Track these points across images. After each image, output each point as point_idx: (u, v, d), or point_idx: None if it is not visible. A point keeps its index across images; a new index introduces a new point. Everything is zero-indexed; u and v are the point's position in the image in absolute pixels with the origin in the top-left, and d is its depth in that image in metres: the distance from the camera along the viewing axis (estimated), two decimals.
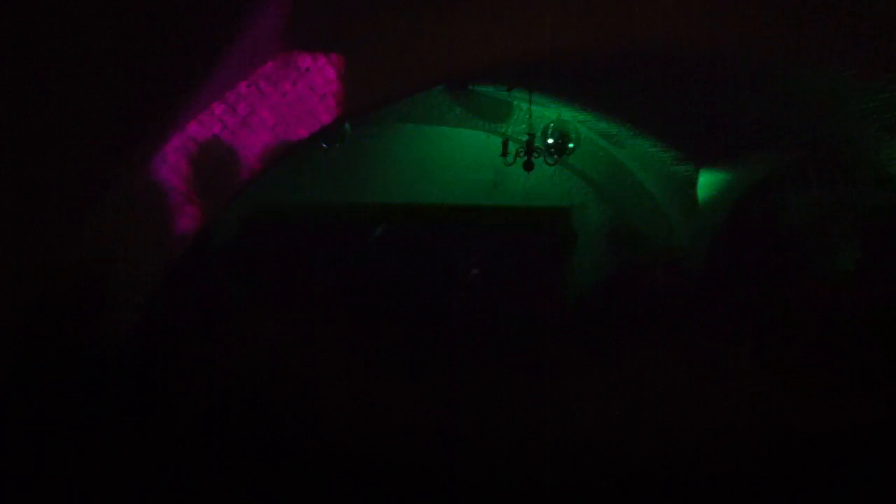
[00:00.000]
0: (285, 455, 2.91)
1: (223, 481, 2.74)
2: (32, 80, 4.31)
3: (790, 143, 8.70)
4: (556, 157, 9.55)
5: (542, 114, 9.83)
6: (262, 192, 9.03)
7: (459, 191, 11.20)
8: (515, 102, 10.13)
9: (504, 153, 9.62)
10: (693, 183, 10.32)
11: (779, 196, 10.13)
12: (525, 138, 9.37)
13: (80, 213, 4.40)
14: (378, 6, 5.05)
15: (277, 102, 4.96)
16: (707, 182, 10.27)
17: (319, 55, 5.01)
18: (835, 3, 5.32)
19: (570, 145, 9.52)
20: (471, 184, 11.22)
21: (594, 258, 11.13)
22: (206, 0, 4.73)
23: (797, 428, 2.63)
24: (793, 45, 5.49)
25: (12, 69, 4.14)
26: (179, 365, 3.43)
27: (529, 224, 11.34)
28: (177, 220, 4.88)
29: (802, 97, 6.68)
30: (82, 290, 4.19)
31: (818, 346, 3.12)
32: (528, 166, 9.24)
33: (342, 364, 3.55)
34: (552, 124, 9.52)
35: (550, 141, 9.47)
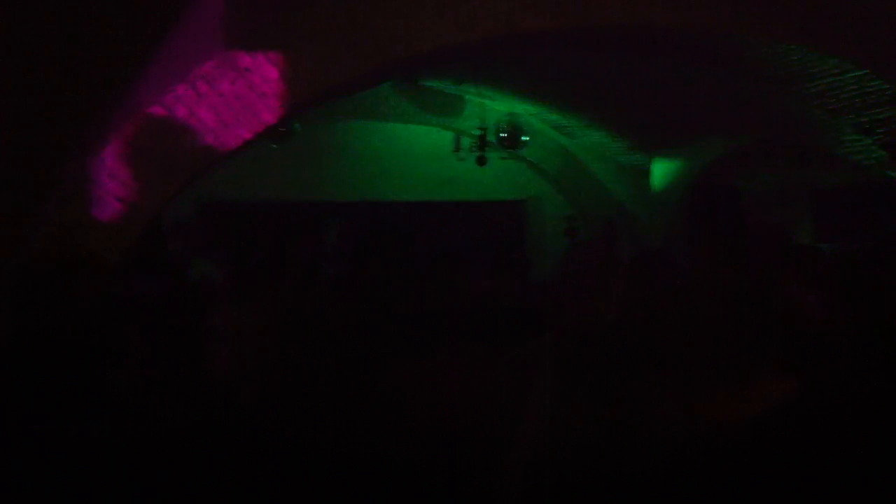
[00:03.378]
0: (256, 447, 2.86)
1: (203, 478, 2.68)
2: None
3: (739, 127, 8.76)
4: (508, 150, 9.55)
5: (493, 107, 9.79)
6: (213, 191, 8.98)
7: (414, 186, 11.14)
8: (467, 97, 10.08)
9: (457, 149, 9.60)
10: (646, 170, 10.35)
11: (731, 179, 10.21)
12: (477, 133, 9.34)
13: (22, 213, 4.36)
14: (316, 1, 4.98)
15: (216, 103, 4.87)
16: (661, 169, 10.31)
17: (258, 53, 4.92)
18: None
19: (524, 138, 9.51)
20: (425, 179, 11.16)
21: (551, 249, 11.13)
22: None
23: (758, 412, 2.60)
24: (741, 23, 5.50)
25: None
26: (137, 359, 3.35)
27: (485, 217, 11.31)
28: (117, 222, 4.79)
29: (751, 80, 6.71)
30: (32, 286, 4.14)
31: (787, 329, 3.09)
32: (481, 161, 9.21)
33: (305, 357, 3.49)
34: (504, 118, 9.51)
35: (503, 135, 9.45)
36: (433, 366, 2.81)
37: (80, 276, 4.28)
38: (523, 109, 9.90)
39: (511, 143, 9.54)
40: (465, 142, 9.71)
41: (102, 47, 4.56)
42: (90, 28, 4.57)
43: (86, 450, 2.72)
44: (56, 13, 4.53)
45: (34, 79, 4.48)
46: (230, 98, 4.88)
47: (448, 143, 10.04)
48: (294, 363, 3.53)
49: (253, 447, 2.88)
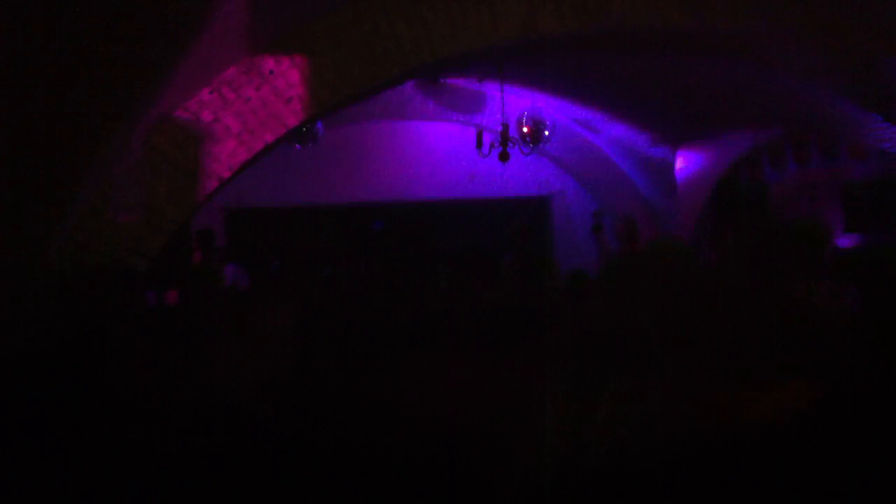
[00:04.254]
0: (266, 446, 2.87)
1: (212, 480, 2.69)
2: None
3: (766, 120, 8.68)
4: (531, 145, 9.51)
5: (516, 103, 9.77)
6: (239, 197, 9.03)
7: (438, 185, 11.14)
8: (488, 93, 10.05)
9: (479, 145, 9.56)
10: (671, 164, 10.29)
11: (758, 173, 10.13)
12: (499, 129, 9.31)
13: (47, 223, 4.42)
14: (340, 4, 4.98)
15: (241, 108, 4.89)
16: (685, 162, 10.25)
17: (282, 58, 4.94)
18: None
19: (546, 133, 9.47)
20: (449, 177, 11.15)
21: (578, 244, 11.09)
22: (163, 6, 4.66)
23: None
24: (765, 23, 5.46)
25: None
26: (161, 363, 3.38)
27: (508, 214, 11.28)
28: (142, 229, 4.82)
29: (776, 74, 6.65)
30: (55, 295, 4.20)
31: (810, 329, 3.06)
32: (504, 157, 9.18)
33: (330, 357, 3.50)
34: (526, 113, 9.47)
35: (525, 130, 9.42)
36: (457, 365, 2.81)
37: (110, 284, 4.31)
38: (546, 104, 9.86)
39: (533, 138, 9.51)
40: (488, 138, 9.67)
41: (129, 53, 4.60)
42: (117, 35, 4.61)
43: (112, 456, 2.74)
44: (82, 20, 4.57)
45: (61, 85, 4.53)
46: (255, 103, 4.90)
47: (471, 140, 10.01)
48: (321, 365, 3.53)
49: (272, 449, 2.88)
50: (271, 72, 4.94)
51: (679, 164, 10.20)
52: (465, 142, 10.67)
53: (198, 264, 6.52)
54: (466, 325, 3.42)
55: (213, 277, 5.91)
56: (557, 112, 10.11)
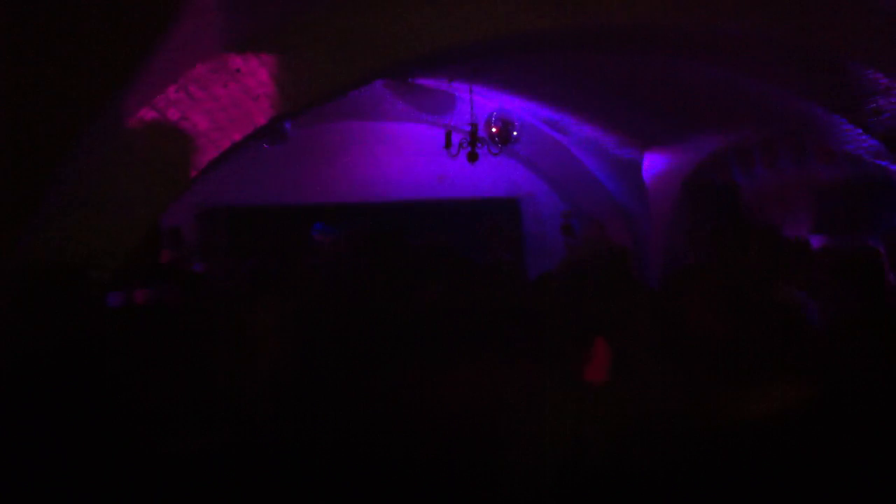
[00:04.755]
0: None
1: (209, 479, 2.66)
2: None
3: (734, 121, 8.74)
4: (500, 146, 9.52)
5: (484, 104, 9.77)
6: (209, 196, 8.95)
7: (407, 185, 11.12)
8: (458, 94, 10.05)
9: (447, 145, 9.56)
10: (639, 165, 10.34)
11: (726, 175, 10.20)
12: (468, 129, 9.31)
13: (15, 221, 4.34)
14: (310, 2, 4.95)
15: (210, 107, 4.84)
16: (653, 163, 10.30)
17: (250, 55, 4.89)
18: None
19: (514, 133, 9.49)
20: (418, 177, 11.14)
21: (548, 246, 11.11)
22: (131, 3, 4.60)
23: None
24: (741, 21, 5.49)
25: None
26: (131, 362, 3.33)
27: (477, 215, 11.27)
28: (115, 227, 4.77)
29: (748, 75, 6.70)
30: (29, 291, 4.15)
31: (782, 326, 3.07)
32: (472, 157, 9.18)
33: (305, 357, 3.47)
34: (494, 113, 9.49)
35: (494, 130, 9.43)
36: (434, 368, 2.79)
37: (79, 282, 4.26)
38: (515, 105, 9.88)
39: (502, 138, 9.52)
40: (457, 138, 9.67)
41: (98, 49, 4.53)
42: (85, 31, 4.54)
43: (88, 456, 2.71)
44: (51, 17, 4.50)
45: (29, 83, 4.45)
46: (224, 101, 4.85)
47: (440, 141, 10.01)
48: (297, 366, 3.50)
49: (263, 451, 2.86)
50: (238, 70, 4.89)
51: (647, 165, 10.25)
52: (434, 143, 10.66)
53: (167, 263, 6.46)
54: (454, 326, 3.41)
55: (183, 276, 5.86)
56: (526, 113, 10.13)
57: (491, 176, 11.24)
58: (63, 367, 3.21)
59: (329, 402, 2.90)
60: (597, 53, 6.92)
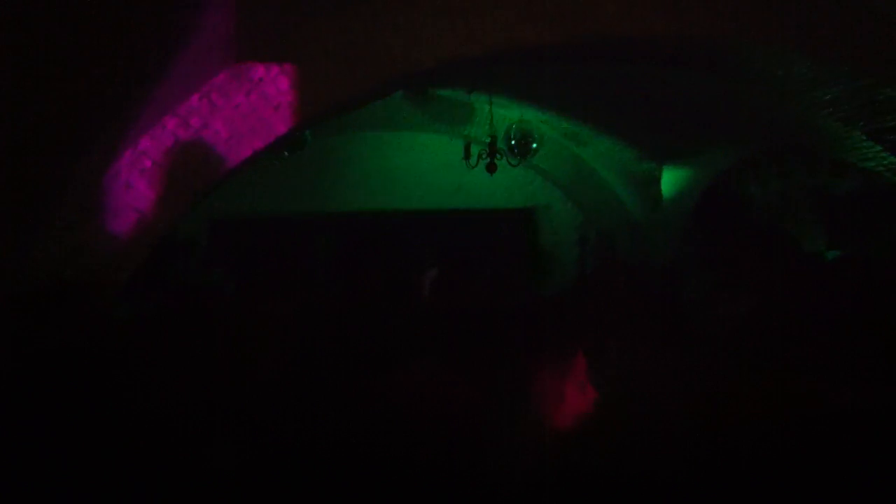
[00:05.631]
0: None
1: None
2: None
3: (750, 135, 8.75)
4: (519, 158, 9.55)
5: (503, 115, 9.81)
6: (225, 205, 9.02)
7: (424, 195, 11.17)
8: (476, 105, 10.10)
9: (466, 156, 9.59)
10: (657, 179, 10.35)
11: (742, 187, 10.20)
12: (487, 140, 9.34)
13: (33, 226, 4.42)
14: (330, 12, 5.01)
15: (231, 115, 4.90)
16: (671, 178, 10.31)
17: (272, 65, 4.96)
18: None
19: (534, 146, 9.51)
20: (436, 188, 11.19)
21: (564, 257, 11.13)
22: (153, 11, 4.68)
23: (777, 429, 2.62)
24: (749, 33, 5.50)
25: None
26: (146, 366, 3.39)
27: (494, 226, 11.32)
28: (131, 235, 4.82)
29: (760, 89, 6.71)
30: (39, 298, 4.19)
31: (795, 339, 3.10)
32: (491, 168, 9.21)
33: (317, 362, 3.52)
34: (514, 125, 9.51)
35: (513, 142, 9.46)
36: (436, 372, 2.82)
37: (93, 290, 4.31)
38: (534, 117, 9.91)
39: (521, 150, 9.55)
40: (475, 149, 9.71)
41: (117, 58, 4.62)
42: (105, 38, 4.63)
43: (96, 464, 2.74)
44: (72, 23, 4.58)
45: (48, 91, 4.53)
46: (245, 109, 4.92)
47: (458, 152, 10.06)
48: (304, 372, 3.55)
49: (261, 452, 2.89)
50: (260, 79, 4.96)
51: (665, 178, 10.26)
52: (451, 153, 10.72)
53: (182, 272, 6.52)
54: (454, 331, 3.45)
55: (200, 284, 5.92)
56: (545, 125, 10.16)
57: (508, 187, 11.28)
58: (73, 375, 3.26)
59: (331, 403, 2.95)
60: (606, 66, 6.95)
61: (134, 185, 4.73)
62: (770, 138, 8.55)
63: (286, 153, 9.38)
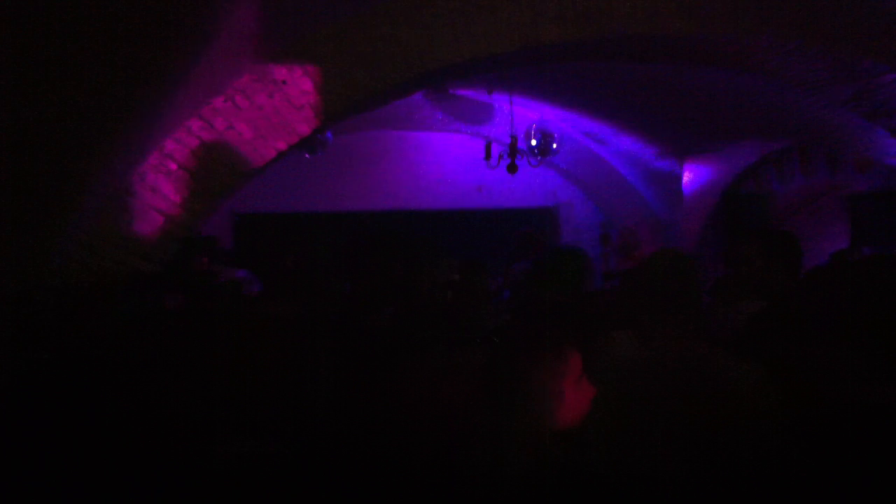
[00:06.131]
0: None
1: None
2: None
3: (772, 132, 8.72)
4: (539, 157, 9.56)
5: (524, 115, 9.83)
6: (247, 202, 9.10)
7: (445, 195, 11.21)
8: (497, 105, 10.13)
9: (487, 156, 9.62)
10: (678, 176, 10.33)
11: (764, 185, 10.16)
12: (508, 140, 9.37)
13: (52, 225, 4.49)
14: (351, 13, 5.04)
15: (254, 116, 4.95)
16: (692, 175, 10.29)
17: (295, 66, 5.00)
18: None
19: (554, 145, 9.53)
20: (456, 187, 11.22)
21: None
22: (177, 14, 4.74)
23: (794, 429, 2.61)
24: (768, 28, 5.48)
25: None
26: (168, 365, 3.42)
27: (515, 225, 11.33)
28: (154, 235, 4.87)
29: (781, 85, 6.68)
30: (59, 296, 4.23)
31: (817, 339, 3.08)
32: (512, 168, 9.23)
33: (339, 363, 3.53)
34: (534, 125, 9.53)
35: (533, 142, 9.48)
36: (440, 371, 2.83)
37: (113, 291, 4.35)
38: (554, 116, 9.92)
39: (542, 150, 9.57)
40: (496, 149, 9.74)
41: (140, 57, 4.67)
42: (131, 42, 4.69)
43: (113, 462, 2.77)
44: (95, 22, 4.65)
45: (68, 87, 4.60)
46: (268, 110, 4.96)
47: (479, 151, 10.09)
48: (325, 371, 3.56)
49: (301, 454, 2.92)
50: (283, 81, 5.00)
51: (686, 175, 10.24)
52: (472, 152, 10.75)
53: (204, 270, 6.57)
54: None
55: (224, 284, 5.96)
56: (565, 124, 10.17)
57: (529, 185, 11.30)
58: (97, 370, 3.30)
59: (351, 403, 2.96)
60: (626, 64, 6.94)
61: (159, 188, 4.79)
62: (792, 135, 8.52)
63: (306, 154, 9.44)
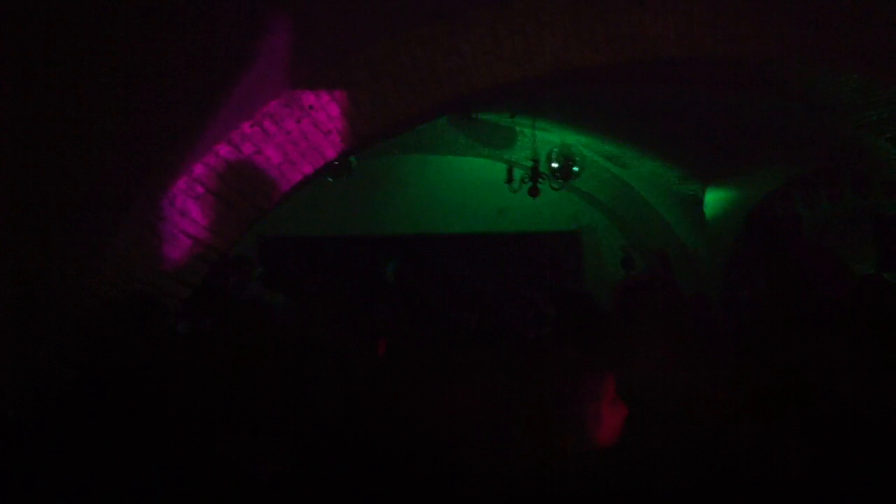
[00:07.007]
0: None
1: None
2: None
3: (797, 156, 8.70)
4: (561, 181, 9.57)
5: (546, 138, 9.85)
6: (272, 224, 9.14)
7: (468, 219, 11.22)
8: (519, 129, 10.15)
9: (509, 180, 9.64)
10: (700, 200, 10.31)
11: (791, 208, 10.12)
12: (530, 164, 9.39)
13: (92, 250, 4.62)
14: (378, 39, 5.08)
15: (282, 141, 4.98)
16: (715, 198, 10.26)
17: (322, 92, 5.03)
18: (841, 13, 5.34)
19: (575, 169, 9.54)
20: (479, 211, 11.23)
21: (608, 279, 11.09)
22: (207, 41, 4.81)
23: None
24: (798, 52, 5.48)
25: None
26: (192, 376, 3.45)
27: (539, 249, 11.32)
28: (183, 260, 4.91)
29: (807, 108, 6.67)
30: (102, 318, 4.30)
31: (835, 358, 3.08)
32: (534, 192, 9.25)
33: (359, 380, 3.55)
34: (556, 149, 9.55)
35: (555, 165, 9.50)
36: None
37: (151, 309, 4.39)
38: (576, 140, 9.93)
39: (563, 173, 9.58)
40: (518, 173, 9.76)
41: (174, 88, 4.74)
42: (160, 68, 4.76)
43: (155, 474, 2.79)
44: (126, 55, 4.73)
45: (103, 120, 4.68)
46: (296, 135, 4.99)
47: (501, 175, 10.12)
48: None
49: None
50: (311, 106, 5.04)
51: (709, 199, 10.21)
52: (494, 176, 10.76)
53: (236, 293, 6.60)
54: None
55: (244, 302, 5.98)
56: (587, 148, 10.17)
57: (551, 209, 11.29)
58: (134, 392, 3.32)
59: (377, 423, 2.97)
60: (654, 88, 6.95)
61: (188, 212, 4.82)
62: (818, 159, 8.49)
63: (330, 179, 9.48)
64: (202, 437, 2.86)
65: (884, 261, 8.98)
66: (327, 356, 3.44)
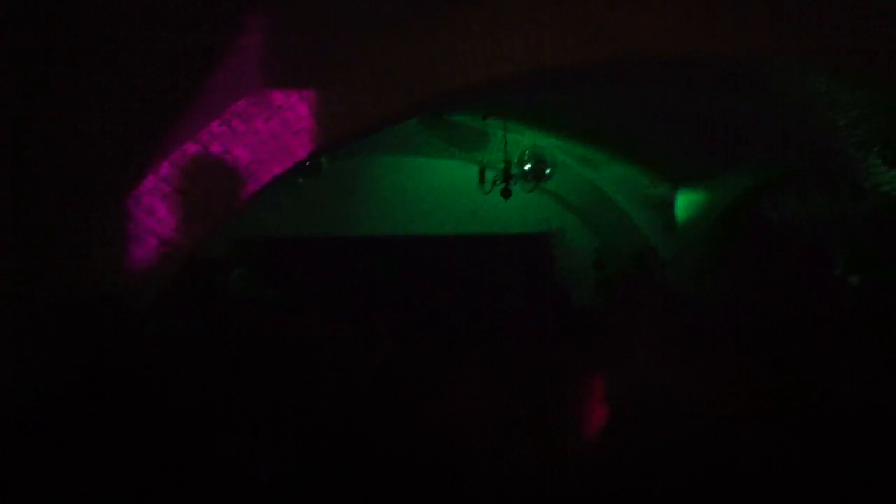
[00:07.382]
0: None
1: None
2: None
3: (767, 158, 8.74)
4: (533, 183, 9.57)
5: (517, 140, 9.84)
6: (239, 228, 9.06)
7: (439, 220, 11.18)
8: (491, 131, 10.14)
9: (481, 181, 9.62)
10: (671, 203, 10.35)
11: (760, 211, 10.17)
12: (502, 166, 9.38)
13: (59, 250, 4.56)
14: (350, 39, 5.05)
15: (251, 140, 4.94)
16: (686, 201, 10.31)
17: (292, 91, 4.99)
18: (815, 13, 5.37)
19: (547, 171, 9.54)
20: (451, 213, 11.20)
21: (579, 281, 11.11)
22: (175, 39, 4.75)
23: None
24: (769, 49, 5.49)
25: None
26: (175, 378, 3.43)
27: (511, 250, 11.31)
28: (150, 260, 4.86)
29: (778, 110, 6.71)
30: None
31: (814, 358, 3.10)
32: (506, 193, 9.24)
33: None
34: (528, 150, 9.55)
35: (527, 167, 9.49)
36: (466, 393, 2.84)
37: (117, 310, 4.35)
38: (547, 142, 9.93)
39: (535, 175, 9.58)
40: (490, 175, 9.74)
41: (141, 86, 4.69)
42: (127, 66, 4.70)
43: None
44: (94, 55, 4.67)
45: (70, 119, 4.61)
46: (265, 135, 4.95)
47: (473, 177, 10.09)
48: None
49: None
50: (280, 106, 5.00)
51: (681, 202, 10.26)
52: (466, 179, 10.73)
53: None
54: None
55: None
56: (559, 150, 10.18)
57: (522, 212, 11.27)
58: (102, 393, 3.28)
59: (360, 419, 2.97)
60: (626, 90, 6.96)
61: (155, 211, 4.77)
62: (787, 161, 8.54)
63: (300, 179, 9.41)
64: (202, 437, 2.85)
65: (850, 264, 9.05)
66: (327, 356, 3.43)
